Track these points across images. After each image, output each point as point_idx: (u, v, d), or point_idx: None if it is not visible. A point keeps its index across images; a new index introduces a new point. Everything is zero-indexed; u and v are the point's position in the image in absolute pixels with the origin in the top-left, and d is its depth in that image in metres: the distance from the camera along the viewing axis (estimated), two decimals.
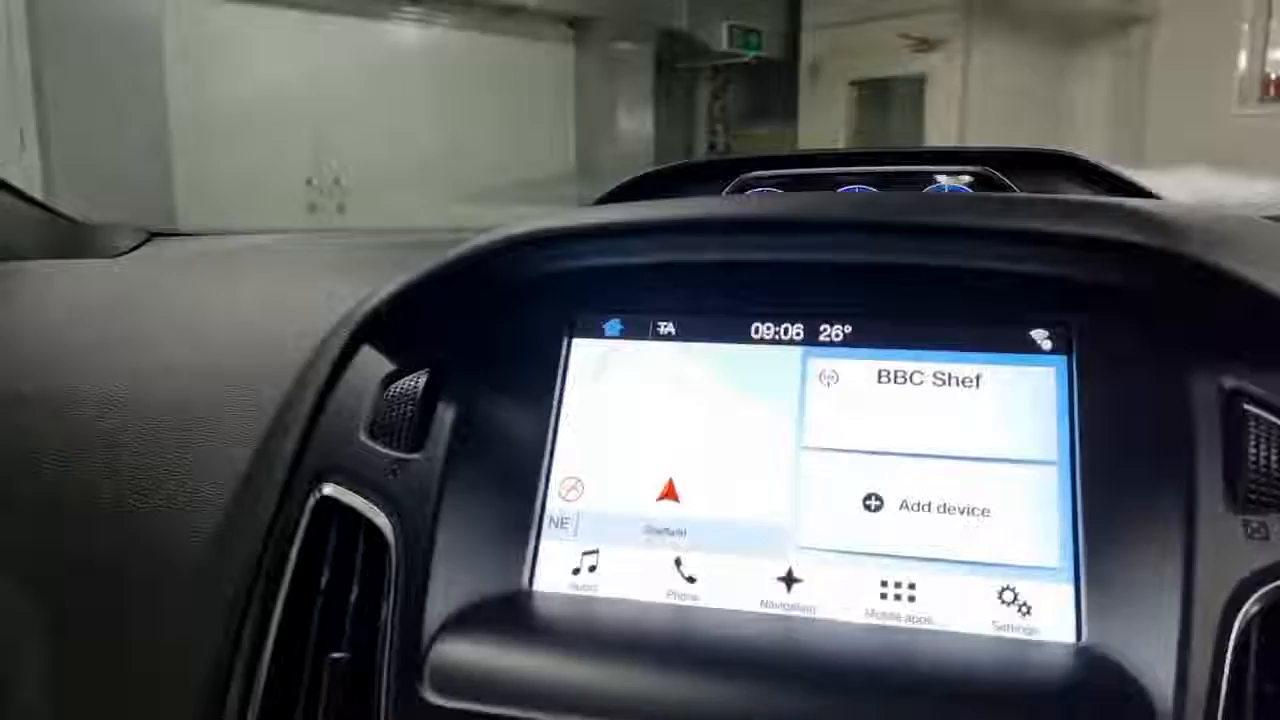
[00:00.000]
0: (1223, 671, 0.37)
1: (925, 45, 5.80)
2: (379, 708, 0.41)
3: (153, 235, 1.01)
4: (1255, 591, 0.37)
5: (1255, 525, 0.39)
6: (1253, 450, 0.40)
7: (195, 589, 0.47)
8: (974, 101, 5.51)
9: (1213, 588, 0.38)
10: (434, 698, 0.40)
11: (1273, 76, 5.83)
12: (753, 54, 5.59)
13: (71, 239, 0.98)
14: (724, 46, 5.44)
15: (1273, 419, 0.41)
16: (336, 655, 0.42)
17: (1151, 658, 0.39)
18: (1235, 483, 0.40)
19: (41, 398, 0.63)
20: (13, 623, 0.55)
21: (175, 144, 3.76)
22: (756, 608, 0.45)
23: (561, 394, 0.50)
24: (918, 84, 5.55)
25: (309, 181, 4.20)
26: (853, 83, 5.68)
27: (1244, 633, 0.37)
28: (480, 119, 4.65)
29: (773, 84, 5.78)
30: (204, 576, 0.47)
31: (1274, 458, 0.40)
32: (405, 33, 4.70)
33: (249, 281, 0.73)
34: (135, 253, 0.97)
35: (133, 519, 0.53)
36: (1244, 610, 0.37)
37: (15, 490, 0.60)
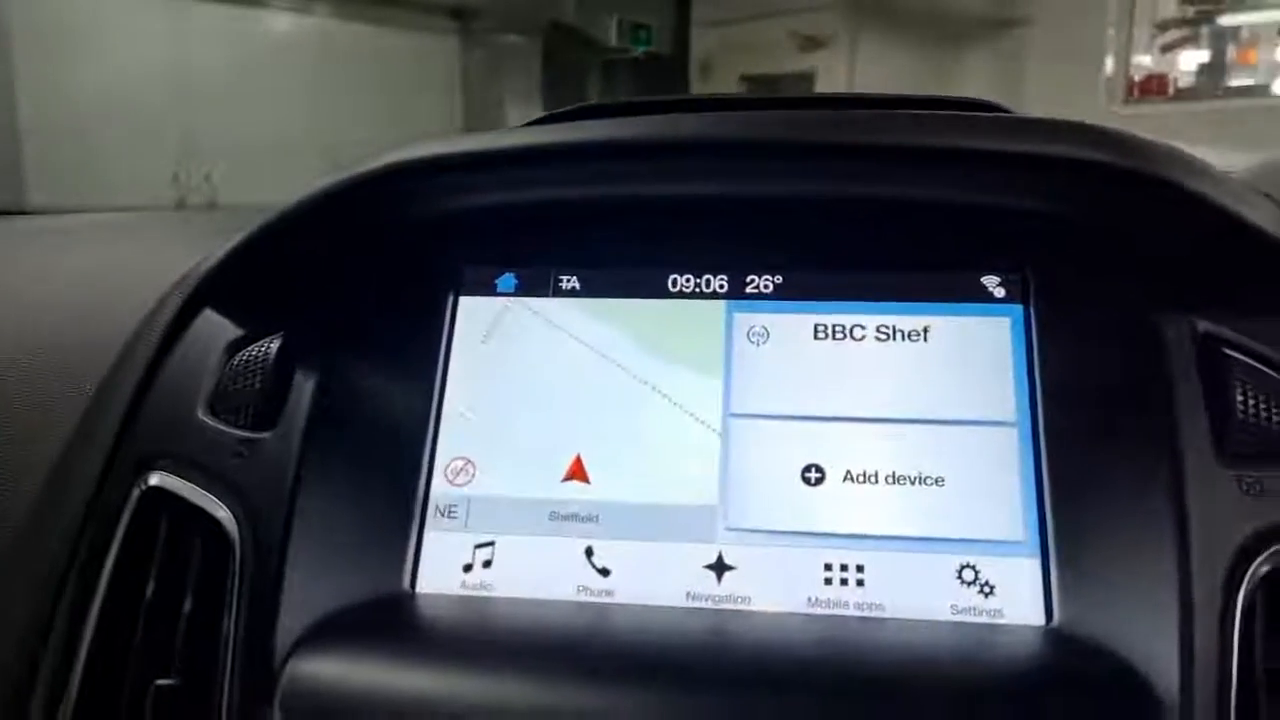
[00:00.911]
0: (1231, 646, 0.32)
1: (813, 43, 5.88)
2: None
3: None
4: (1260, 554, 0.33)
5: (1250, 481, 0.34)
6: (1240, 399, 0.35)
7: None
8: None
9: (1210, 553, 0.33)
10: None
11: (1136, 79, 6.15)
12: (642, 49, 5.56)
13: None
14: (613, 42, 5.39)
15: (1256, 364, 0.36)
16: (163, 682, 0.34)
17: (1138, 637, 0.34)
18: (1223, 436, 0.35)
19: None
20: None
21: (25, 136, 3.51)
22: (682, 601, 0.38)
23: (447, 361, 0.43)
24: (807, 81, 5.63)
25: (175, 177, 3.97)
26: (743, 79, 5.72)
27: (1249, 601, 0.32)
28: (362, 113, 4.48)
29: (664, 80, 5.76)
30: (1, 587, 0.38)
31: (1263, 406, 0.35)
32: (280, 22, 4.50)
33: (77, 256, 0.63)
34: None
35: None
36: (1250, 575, 0.32)
37: None
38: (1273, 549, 0.33)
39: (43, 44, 3.58)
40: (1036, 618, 0.37)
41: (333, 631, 0.35)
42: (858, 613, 0.38)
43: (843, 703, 0.33)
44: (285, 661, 0.34)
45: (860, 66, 6.04)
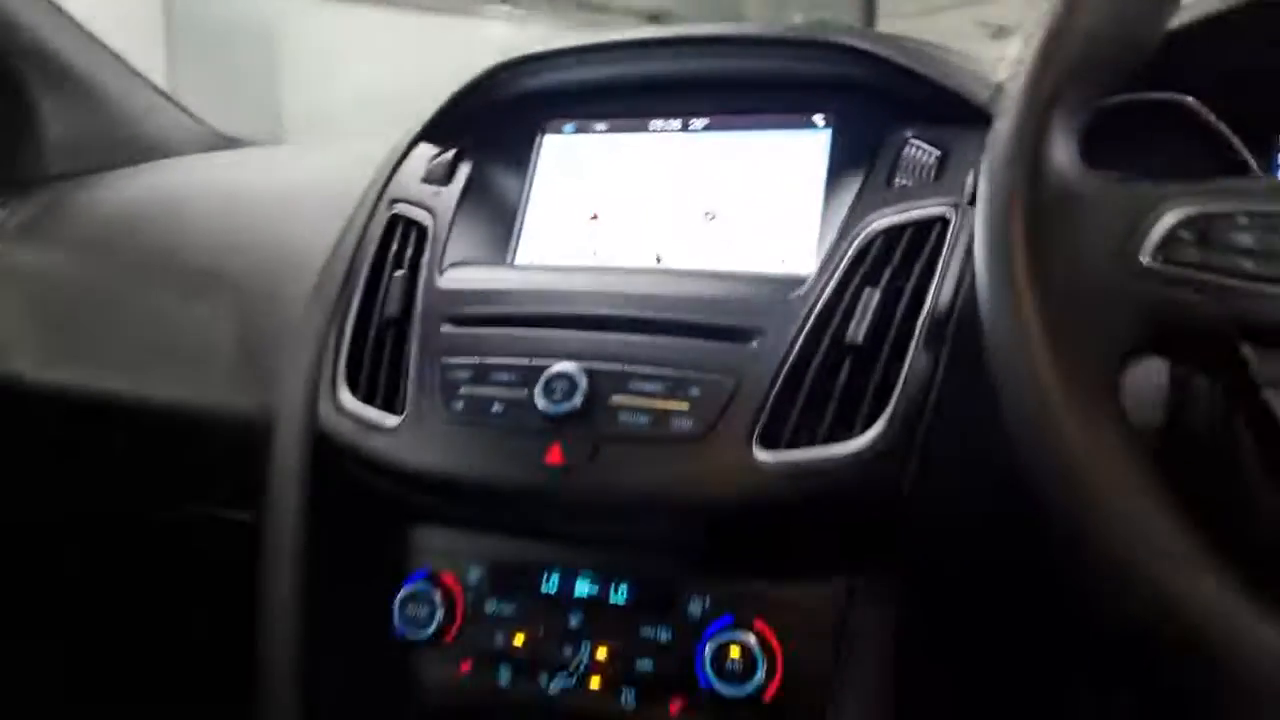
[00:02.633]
0: (840, 266, 0.66)
1: (1002, 32, 5.93)
2: (415, 294, 0.74)
3: None
4: (875, 222, 0.67)
5: (896, 191, 0.69)
6: (907, 157, 0.70)
7: (319, 279, 0.81)
8: None
9: (850, 227, 0.68)
10: (445, 284, 0.74)
11: None
12: None
13: (220, 145, 1.36)
14: None
15: (923, 144, 0.71)
16: (399, 273, 0.76)
17: (820, 266, 0.68)
18: (891, 178, 0.70)
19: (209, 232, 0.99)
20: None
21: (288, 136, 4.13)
22: (640, 266, 0.77)
23: (535, 166, 0.83)
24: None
25: None
26: None
27: (860, 251, 0.66)
28: None
29: None
30: (320, 276, 0.81)
31: (918, 161, 0.70)
32: (496, 30, 5.07)
33: (344, 151, 1.09)
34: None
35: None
36: (861, 233, 0.67)
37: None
38: (885, 219, 0.67)
39: (301, 64, 4.22)
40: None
41: (470, 260, 0.76)
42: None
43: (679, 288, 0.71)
44: (446, 269, 0.75)
45: None
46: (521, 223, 0.82)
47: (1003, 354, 0.45)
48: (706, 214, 0.78)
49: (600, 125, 0.84)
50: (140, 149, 1.25)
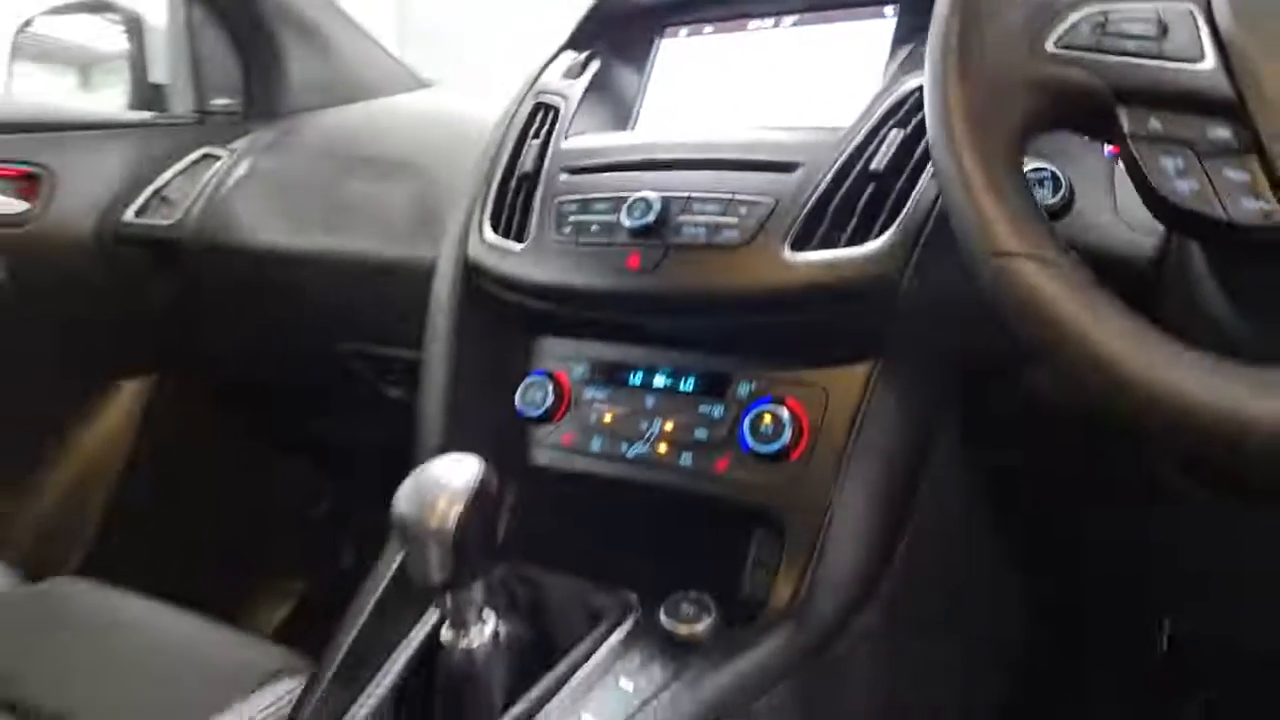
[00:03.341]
0: (877, 113, 0.79)
1: None
2: (546, 155, 0.93)
3: None
4: (912, 81, 0.79)
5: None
6: None
7: (481, 154, 1.02)
8: None
9: (893, 84, 0.80)
10: (567, 145, 0.92)
11: None
12: None
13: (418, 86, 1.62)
14: None
15: None
16: (534, 140, 0.95)
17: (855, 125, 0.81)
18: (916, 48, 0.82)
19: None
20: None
21: None
22: (732, 127, 0.92)
23: (653, 63, 1.00)
24: None
25: None
26: None
27: (901, 99, 0.79)
28: None
29: None
30: (481, 153, 1.02)
31: None
32: None
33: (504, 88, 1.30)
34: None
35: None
36: (903, 86, 0.79)
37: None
38: (914, 80, 0.79)
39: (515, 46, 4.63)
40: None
41: (588, 129, 0.94)
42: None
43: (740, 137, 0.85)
44: (569, 137, 0.94)
45: None
46: (639, 105, 0.99)
47: (933, 131, 0.57)
48: (790, 93, 0.92)
49: (708, 29, 1.00)
50: (360, 88, 1.53)
